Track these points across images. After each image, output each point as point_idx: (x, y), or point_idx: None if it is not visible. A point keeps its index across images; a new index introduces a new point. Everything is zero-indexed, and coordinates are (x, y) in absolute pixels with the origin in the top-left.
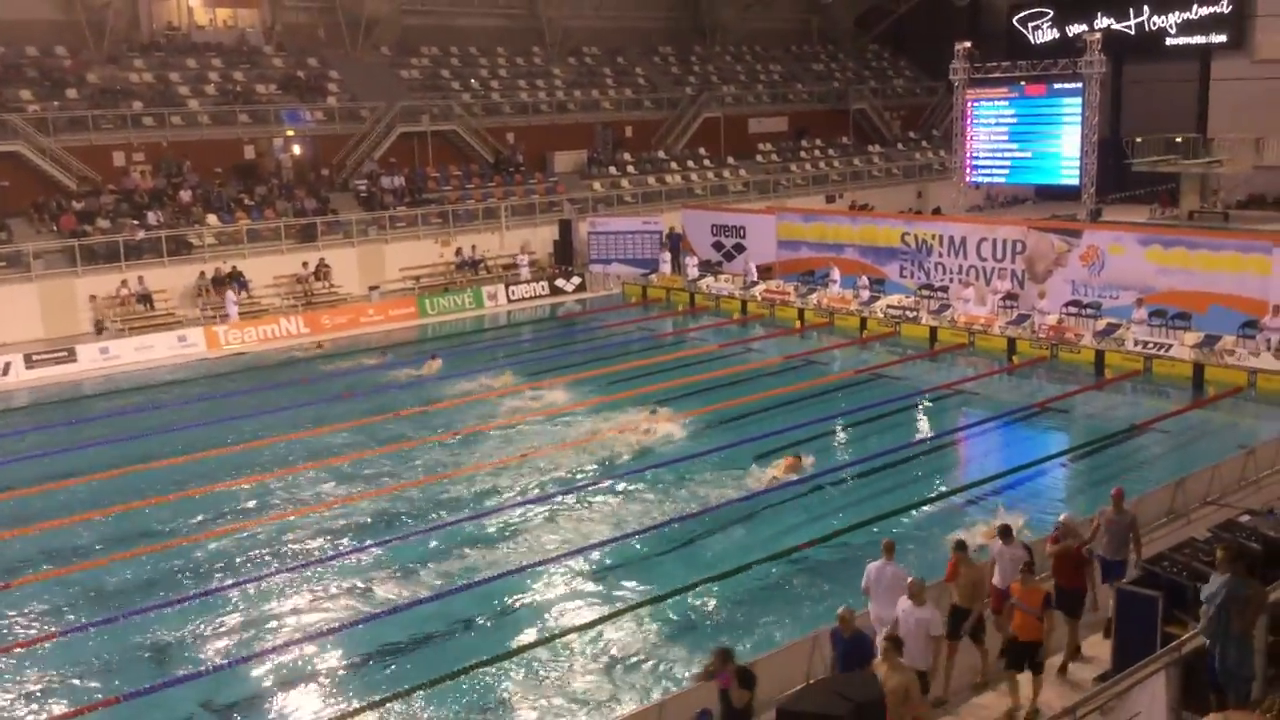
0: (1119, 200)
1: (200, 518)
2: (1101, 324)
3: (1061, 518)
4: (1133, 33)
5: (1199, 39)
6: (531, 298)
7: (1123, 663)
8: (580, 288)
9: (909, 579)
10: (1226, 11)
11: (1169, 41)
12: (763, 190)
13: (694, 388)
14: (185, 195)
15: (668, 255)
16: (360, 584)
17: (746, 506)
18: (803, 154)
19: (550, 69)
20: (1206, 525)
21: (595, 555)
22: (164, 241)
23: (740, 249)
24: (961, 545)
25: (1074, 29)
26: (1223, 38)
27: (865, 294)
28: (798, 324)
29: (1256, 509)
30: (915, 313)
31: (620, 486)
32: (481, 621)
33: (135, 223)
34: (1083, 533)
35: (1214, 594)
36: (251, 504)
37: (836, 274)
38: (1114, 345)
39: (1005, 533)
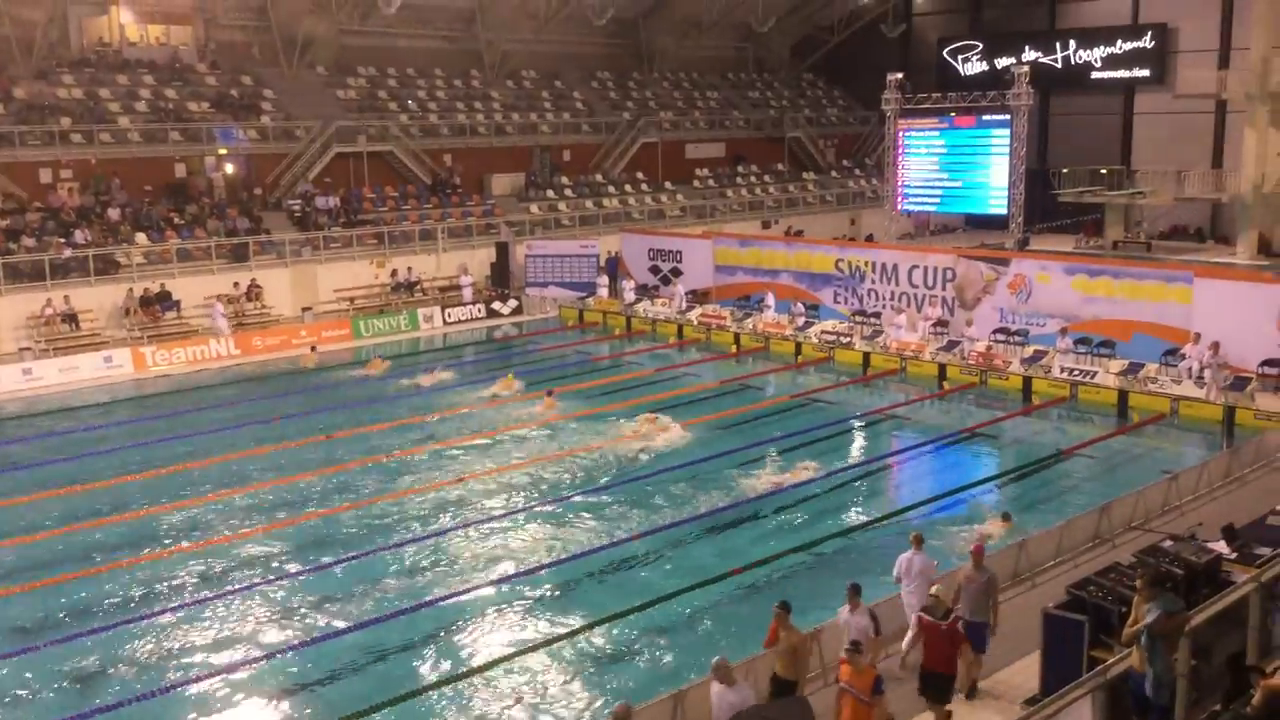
0: (1046, 230)
1: (126, 543)
2: (1029, 351)
3: (933, 589)
4: (1059, 66)
5: (1123, 73)
6: (468, 320)
7: (1050, 687)
8: (517, 311)
9: (933, 568)
10: (1149, 47)
11: (1094, 75)
12: (700, 215)
13: (628, 413)
14: (114, 213)
15: (605, 279)
16: (291, 610)
17: (682, 531)
18: (739, 180)
19: (489, 92)
20: (1131, 550)
21: (513, 584)
22: (91, 260)
23: (677, 273)
24: (784, 606)
25: (1002, 62)
26: (1145, 72)
27: (800, 319)
28: (734, 349)
29: (1179, 534)
30: (849, 338)
31: (547, 512)
32: (405, 648)
33: (62, 241)
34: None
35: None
36: (180, 528)
37: (771, 299)
38: (1041, 372)
39: (854, 593)
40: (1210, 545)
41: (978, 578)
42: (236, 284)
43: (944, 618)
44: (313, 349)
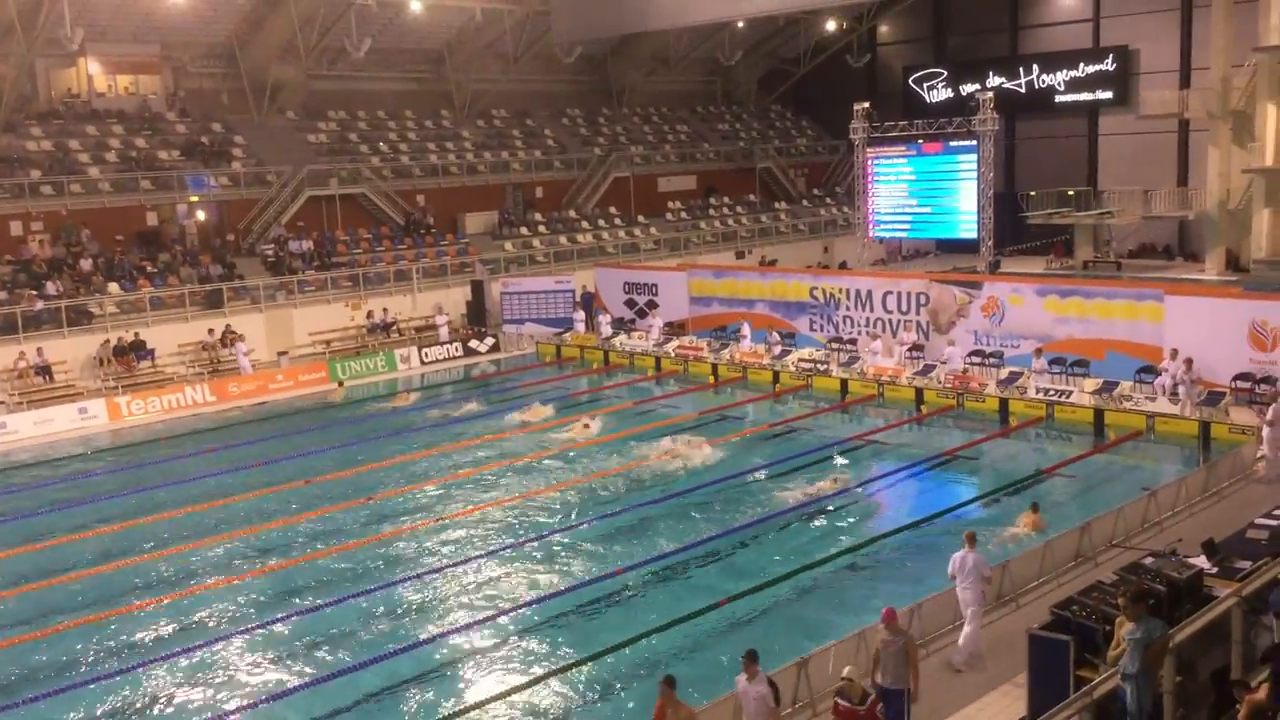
0: (1016, 252)
1: (111, 591)
2: (1004, 373)
3: (845, 670)
4: (1023, 91)
5: (1086, 96)
6: (445, 359)
7: (1038, 709)
8: (494, 348)
9: (986, 564)
10: (1111, 70)
11: (1058, 99)
12: (674, 247)
13: (609, 446)
14: (85, 264)
15: (581, 314)
16: (276, 655)
17: (668, 562)
18: (711, 211)
19: (459, 131)
20: (1113, 568)
21: (499, 623)
22: (64, 312)
23: (653, 305)
24: (670, 681)
25: (967, 88)
26: (1108, 94)
27: (777, 348)
28: (711, 379)
29: (1160, 550)
30: (826, 365)
31: (528, 550)
32: (389, 691)
33: (34, 293)
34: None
35: (1135, 640)
36: (172, 575)
37: (747, 329)
38: (1017, 393)
39: (750, 659)
40: (1191, 560)
41: (894, 641)
42: (211, 330)
43: (861, 702)
44: (340, 384)
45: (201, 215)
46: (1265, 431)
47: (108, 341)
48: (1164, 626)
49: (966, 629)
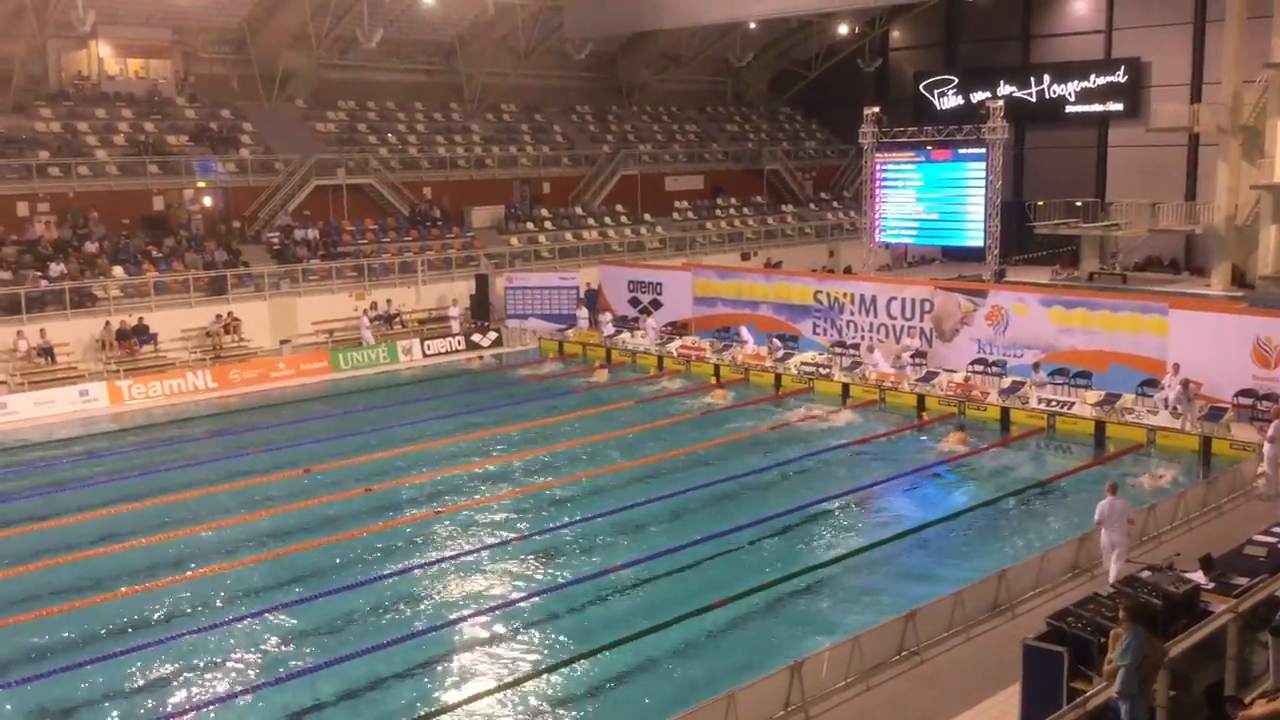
0: (1022, 261)
1: (109, 576)
2: (1006, 382)
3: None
4: (1034, 100)
5: (1097, 107)
6: (448, 353)
7: (1030, 718)
8: (497, 343)
9: (1130, 509)
10: (1122, 82)
11: (1068, 109)
12: (679, 247)
13: (608, 444)
14: (91, 246)
15: (585, 311)
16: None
17: (669, 561)
18: (718, 212)
19: (468, 125)
20: (1110, 581)
21: (494, 616)
22: (67, 294)
23: (657, 304)
24: None
25: (977, 96)
26: (1119, 106)
27: (779, 352)
28: (714, 380)
29: (1157, 564)
30: (828, 369)
31: (531, 544)
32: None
33: (38, 274)
34: None
35: (1124, 652)
36: (173, 560)
37: (746, 333)
38: (1018, 403)
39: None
40: (1188, 575)
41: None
42: (219, 316)
43: None
44: (481, 358)
45: (208, 201)
46: (1266, 449)
47: (109, 324)
48: (1151, 643)
49: (1114, 568)
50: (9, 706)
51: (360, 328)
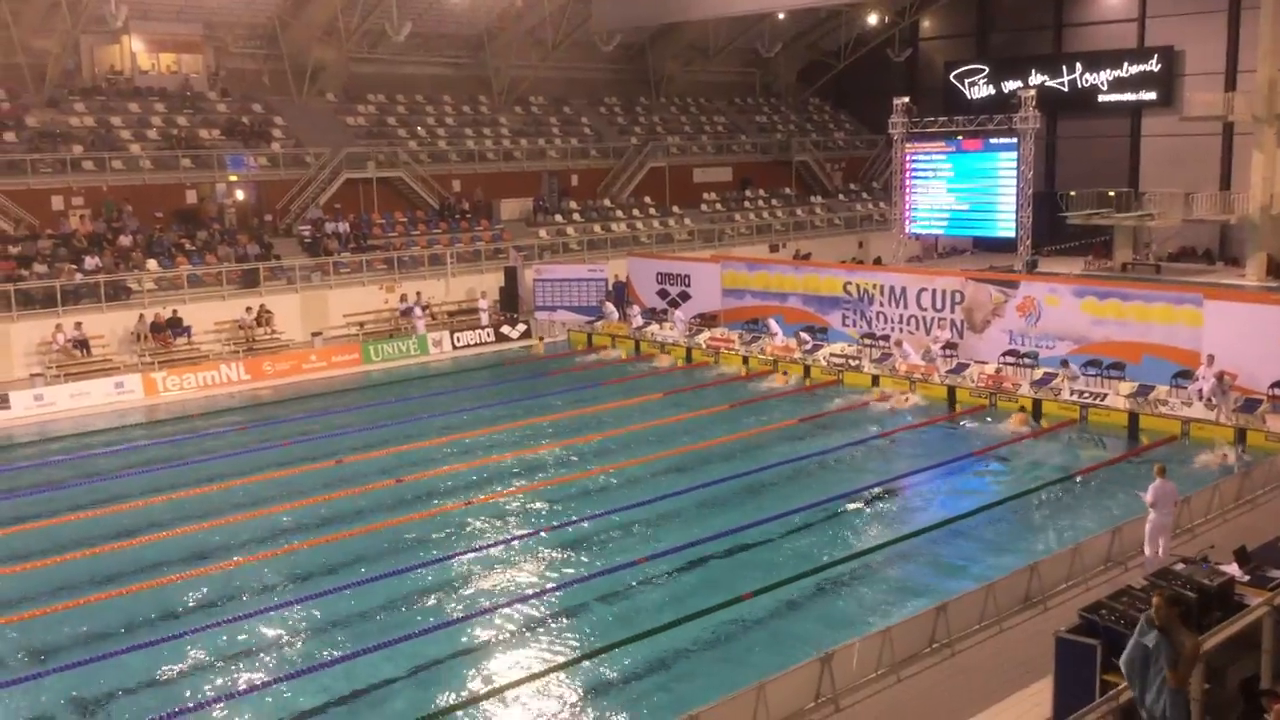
0: (1054, 252)
1: (145, 564)
2: (1038, 373)
3: None
4: (1066, 90)
5: (1130, 96)
6: (477, 345)
7: (1063, 712)
8: (526, 334)
9: (1176, 491)
10: (1156, 70)
11: (1101, 99)
12: (707, 239)
13: (639, 436)
14: (125, 240)
15: (610, 306)
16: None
17: (692, 553)
18: (747, 204)
19: (497, 117)
20: (1143, 573)
21: (530, 605)
22: (102, 287)
23: (686, 296)
24: None
25: (1009, 85)
26: (1152, 95)
27: (807, 345)
28: (744, 371)
29: (1191, 556)
30: (858, 361)
31: (561, 534)
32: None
33: (73, 267)
34: None
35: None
36: (206, 549)
37: (774, 325)
38: (1050, 395)
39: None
40: (1223, 568)
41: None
42: (249, 309)
43: None
44: (541, 339)
45: (240, 195)
46: None
47: (143, 317)
48: (1189, 635)
49: (1163, 549)
50: (51, 694)
51: (413, 317)
